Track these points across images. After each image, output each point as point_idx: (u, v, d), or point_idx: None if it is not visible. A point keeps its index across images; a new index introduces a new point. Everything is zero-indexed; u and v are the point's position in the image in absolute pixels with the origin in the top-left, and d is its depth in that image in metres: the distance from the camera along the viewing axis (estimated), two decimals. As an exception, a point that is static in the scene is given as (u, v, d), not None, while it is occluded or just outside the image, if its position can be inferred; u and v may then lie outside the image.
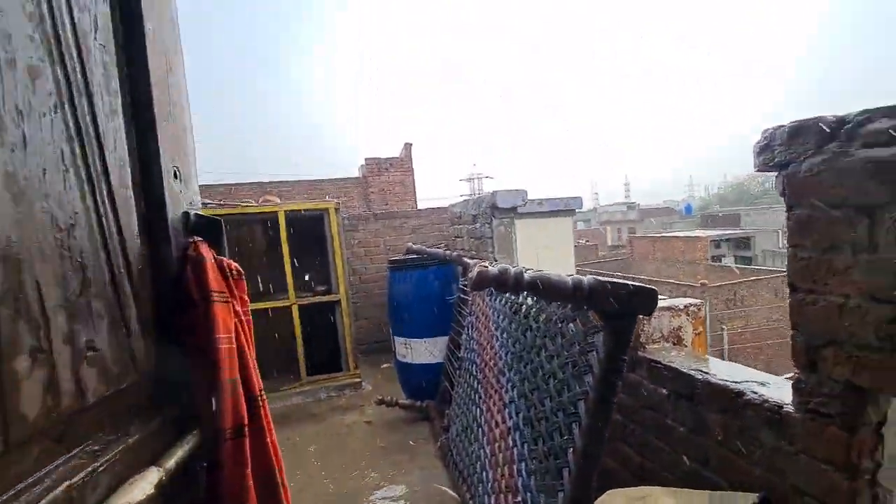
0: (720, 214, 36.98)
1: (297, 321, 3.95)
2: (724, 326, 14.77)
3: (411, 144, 12.08)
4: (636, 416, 1.66)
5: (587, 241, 34.81)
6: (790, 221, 1.06)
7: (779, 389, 1.19)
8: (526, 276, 1.17)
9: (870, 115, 0.91)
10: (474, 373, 2.45)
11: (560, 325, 1.53)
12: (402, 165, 11.88)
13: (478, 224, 3.15)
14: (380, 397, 3.32)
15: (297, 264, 3.96)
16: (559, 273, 1.20)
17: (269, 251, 4.20)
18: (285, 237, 3.81)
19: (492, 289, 2.50)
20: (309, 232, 4.11)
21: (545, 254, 4.04)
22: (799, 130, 1.01)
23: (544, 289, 1.17)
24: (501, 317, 2.18)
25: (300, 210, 3.93)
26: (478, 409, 2.26)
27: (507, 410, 1.90)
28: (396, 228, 5.16)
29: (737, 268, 19.35)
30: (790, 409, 1.10)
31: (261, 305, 3.86)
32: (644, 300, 1.22)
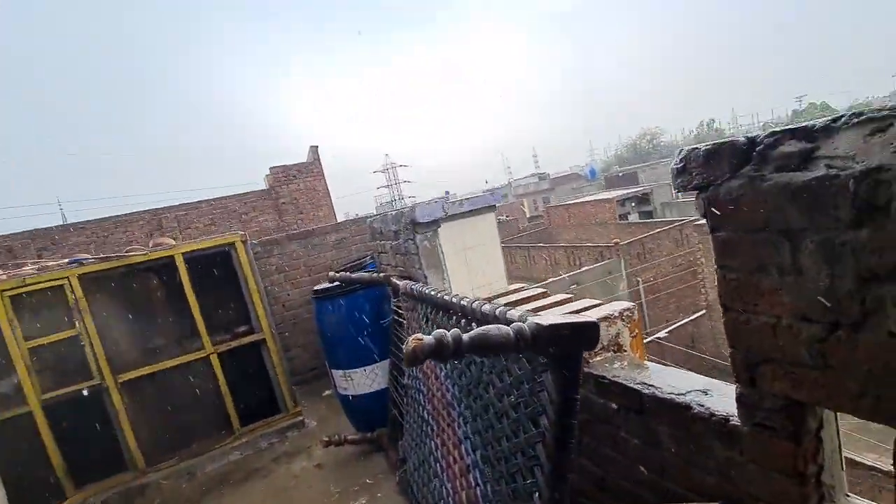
0: (620, 174, 40.04)
1: (219, 371, 3.56)
2: (639, 279, 16.14)
3: (317, 147, 11.49)
4: (590, 429, 1.65)
5: (507, 216, 36.05)
6: (715, 242, 1.05)
7: (723, 399, 1.21)
8: (465, 339, 1.06)
9: (778, 138, 0.90)
10: (422, 402, 2.35)
11: (505, 361, 1.46)
12: (311, 171, 11.27)
13: (401, 240, 3.01)
14: (326, 438, 3.10)
15: (208, 309, 3.55)
16: (498, 326, 1.11)
17: (173, 300, 3.73)
18: (188, 282, 3.39)
19: (422, 304, 2.40)
20: (216, 270, 3.70)
21: (473, 254, 4.00)
22: (714, 153, 1.00)
23: (487, 347, 1.07)
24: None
25: (202, 249, 3.51)
26: (432, 443, 2.16)
27: (463, 446, 1.82)
28: (316, 246, 4.84)
29: (641, 222, 21.15)
30: (737, 422, 1.11)
31: (172, 363, 3.43)
32: (587, 336, 1.17)
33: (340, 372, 3.18)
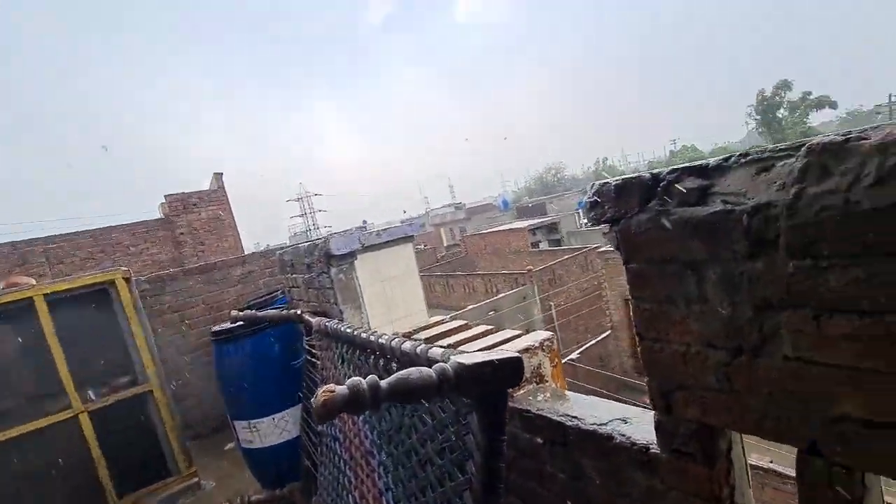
0: (530, 205, 42.69)
1: (89, 432, 3.01)
2: (551, 304, 17.05)
3: (221, 174, 10.71)
4: (516, 465, 1.60)
5: (425, 245, 36.46)
6: (629, 274, 1.08)
7: (642, 427, 1.23)
8: (384, 386, 0.96)
9: (678, 174, 0.96)
10: (339, 451, 2.15)
11: (428, 404, 1.37)
12: (214, 199, 10.44)
13: (314, 273, 2.82)
14: (227, 501, 2.71)
15: (78, 359, 3.01)
16: (419, 368, 1.02)
17: (31, 351, 3.11)
18: (51, 329, 2.86)
19: (338, 343, 2.23)
20: (92, 312, 3.17)
21: (391, 286, 3.89)
22: (623, 188, 1.03)
23: (409, 393, 0.98)
24: (355, 372, 1.93)
25: (71, 289, 2.99)
26: (350, 497, 1.97)
27: (384, 499, 1.67)
28: (219, 281, 4.40)
29: (550, 249, 22.56)
30: (656, 450, 1.13)
31: (25, 429, 2.83)
32: (511, 372, 1.13)
33: (244, 423, 2.84)
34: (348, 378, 1.92)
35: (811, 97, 41.20)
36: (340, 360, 2.07)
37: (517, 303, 16.13)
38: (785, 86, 42.81)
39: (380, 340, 1.61)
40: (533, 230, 24.52)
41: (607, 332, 12.03)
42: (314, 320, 2.45)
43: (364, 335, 1.78)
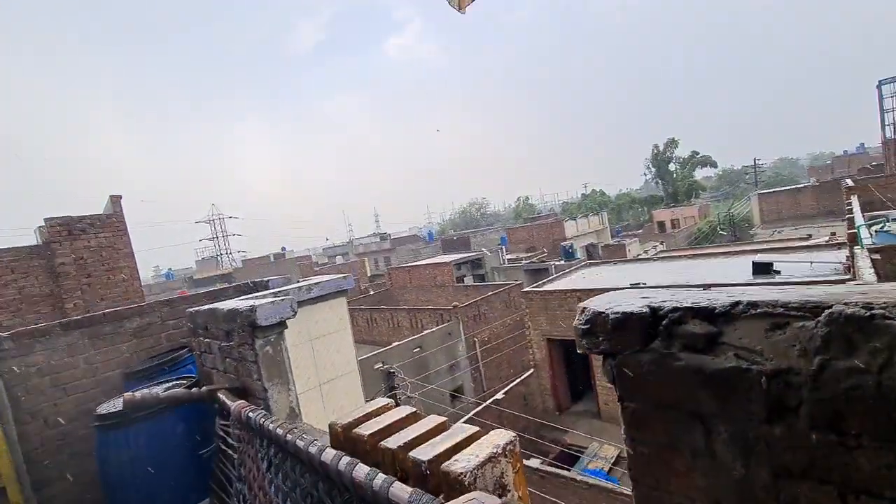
0: (455, 238, 43.52)
1: None
2: (476, 339, 17.17)
3: (120, 196, 9.49)
4: None
5: (348, 275, 35.30)
6: (624, 412, 0.99)
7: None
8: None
9: (682, 314, 0.89)
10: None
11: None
12: (109, 225, 9.17)
13: (234, 342, 2.45)
14: None
15: None
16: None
17: None
18: None
19: (263, 440, 1.90)
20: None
21: (322, 345, 3.56)
22: (621, 323, 0.94)
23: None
24: (289, 485, 1.63)
25: None
26: None
27: None
28: (108, 336, 3.72)
29: (475, 285, 22.95)
30: None
31: None
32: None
33: (132, 528, 2.32)
34: (280, 491, 1.62)
35: (698, 156, 47.58)
36: (267, 464, 1.75)
37: (443, 339, 16.02)
38: (673, 143, 49.05)
39: (322, 458, 1.36)
40: (458, 265, 24.86)
41: (530, 371, 12.28)
42: (233, 405, 2.08)
43: (300, 443, 1.51)
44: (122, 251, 9.41)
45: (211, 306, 2.63)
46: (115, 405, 2.48)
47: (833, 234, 19.29)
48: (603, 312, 0.97)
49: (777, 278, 9.03)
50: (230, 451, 2.13)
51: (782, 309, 0.81)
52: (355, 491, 1.19)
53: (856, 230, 6.69)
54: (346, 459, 1.31)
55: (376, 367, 12.61)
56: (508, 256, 28.57)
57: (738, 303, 0.86)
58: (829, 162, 53.28)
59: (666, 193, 48.10)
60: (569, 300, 11.58)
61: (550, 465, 7.87)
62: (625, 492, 6.81)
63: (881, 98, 21.75)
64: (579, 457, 8.79)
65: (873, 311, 0.70)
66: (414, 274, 25.52)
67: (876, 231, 6.89)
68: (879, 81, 22.05)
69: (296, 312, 2.40)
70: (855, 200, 10.23)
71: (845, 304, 0.74)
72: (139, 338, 3.86)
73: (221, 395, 2.27)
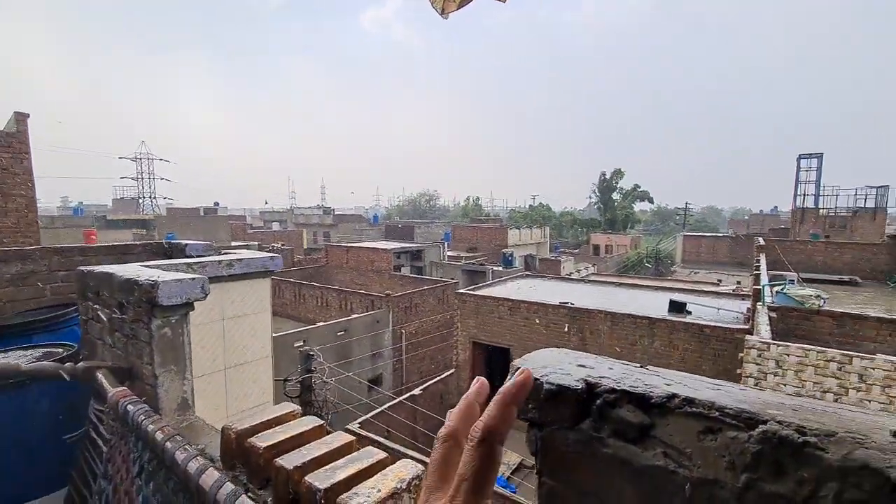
0: (399, 225, 43.09)
1: None
2: (403, 331, 17.08)
3: (27, 115, 8.29)
4: None
5: (283, 244, 33.84)
6: (541, 489, 0.92)
7: None
8: None
9: (617, 398, 0.83)
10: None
11: None
12: (8, 146, 7.98)
13: (127, 316, 2.15)
14: None
15: None
16: None
17: None
18: None
19: (138, 441, 1.67)
20: None
21: (234, 326, 3.28)
22: (556, 395, 0.87)
23: None
24: (159, 499, 1.43)
25: None
26: None
27: None
28: (-26, 279, 3.18)
29: (412, 276, 22.85)
30: None
31: None
32: None
33: (-38, 515, 1.97)
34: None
35: (639, 189, 50.72)
36: (139, 469, 1.53)
37: (370, 326, 15.77)
38: (619, 174, 51.95)
39: (200, 482, 1.19)
40: (398, 253, 24.60)
41: (451, 371, 12.41)
42: (111, 392, 1.82)
43: (179, 456, 1.32)
44: (20, 177, 8.26)
45: (106, 269, 2.30)
46: (-38, 370, 2.09)
47: (738, 283, 21.40)
48: (538, 380, 0.90)
49: (688, 318, 9.78)
50: (100, 443, 1.86)
51: (717, 413, 0.78)
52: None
53: (760, 288, 7.41)
54: (226, 489, 1.14)
55: (296, 345, 12.15)
56: (449, 253, 28.75)
57: (674, 395, 0.81)
58: (747, 217, 59.02)
59: (605, 219, 50.85)
60: (500, 308, 11.82)
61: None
62: (520, 501, 7.05)
63: (798, 170, 24.35)
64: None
65: (806, 438, 0.68)
66: (352, 255, 24.91)
67: (777, 292, 7.67)
68: (800, 155, 24.65)
69: (207, 294, 2.15)
70: (763, 259, 11.34)
71: (779, 422, 0.72)
72: (17, 286, 3.35)
73: (100, 376, 1.98)
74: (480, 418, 0.40)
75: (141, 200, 55.26)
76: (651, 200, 53.87)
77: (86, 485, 1.91)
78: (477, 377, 0.40)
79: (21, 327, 2.96)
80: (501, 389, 0.40)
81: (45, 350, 2.44)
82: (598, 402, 0.84)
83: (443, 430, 0.43)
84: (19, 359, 2.28)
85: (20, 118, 8.30)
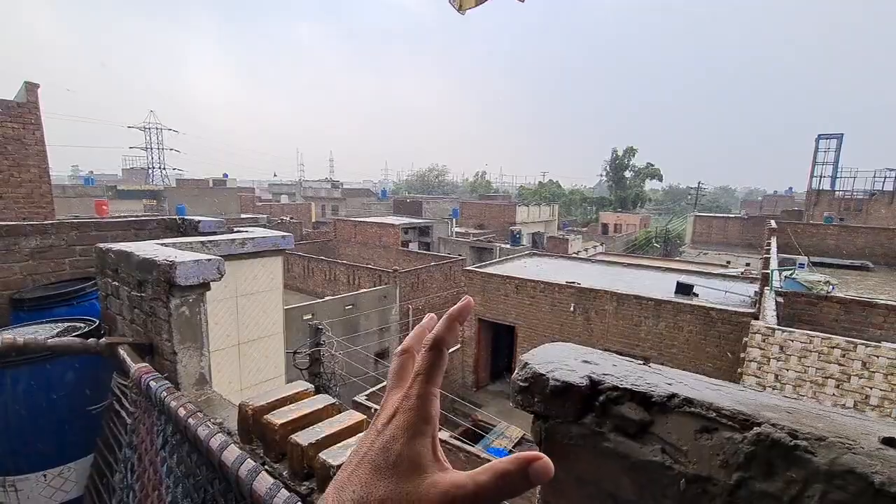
0: (408, 200, 42.97)
1: None
2: (410, 305, 17.30)
3: (37, 85, 8.29)
4: None
5: (292, 217, 34.02)
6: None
7: None
8: None
9: (619, 395, 0.88)
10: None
11: None
12: (19, 115, 8.02)
13: (146, 294, 2.23)
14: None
15: None
16: None
17: None
18: None
19: (161, 415, 1.76)
20: None
21: (247, 303, 3.37)
22: (561, 392, 0.91)
23: None
24: (183, 470, 1.52)
25: None
26: None
27: None
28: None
29: (419, 252, 22.98)
30: None
31: None
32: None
33: (-4, 477, 2.10)
34: (172, 474, 1.51)
35: (652, 167, 49.88)
36: (163, 442, 1.62)
37: (377, 300, 15.97)
38: (631, 152, 51.04)
39: (222, 458, 1.26)
40: (406, 229, 24.66)
41: (457, 346, 12.62)
42: (134, 367, 1.91)
43: (201, 432, 1.40)
44: (32, 147, 8.33)
45: (124, 248, 2.36)
46: (-9, 342, 2.19)
47: (748, 265, 21.25)
48: (543, 375, 0.94)
49: (695, 300, 9.79)
50: (124, 414, 1.96)
51: (714, 413, 0.82)
52: (253, 502, 1.12)
53: (769, 272, 7.38)
54: (248, 465, 1.22)
55: (305, 318, 12.38)
56: (457, 229, 28.74)
57: (675, 395, 0.85)
58: (760, 198, 58.03)
59: (616, 197, 50.29)
60: (507, 286, 11.90)
61: (457, 439, 8.23)
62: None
63: (816, 151, 23.75)
64: (485, 435, 9.28)
65: (797, 441, 0.72)
66: (360, 229, 25.01)
67: (785, 277, 7.63)
68: (819, 135, 24.00)
69: (223, 274, 2.21)
70: (774, 242, 11.22)
71: (773, 425, 0.75)
72: (37, 260, 3.44)
73: (122, 352, 2.07)
74: (430, 332, 0.49)
75: (151, 171, 55.45)
76: (661, 178, 53.06)
77: (111, 452, 2.03)
78: (428, 313, 0.51)
79: (42, 300, 3.06)
80: (449, 311, 0.49)
81: (68, 325, 2.53)
82: (602, 398, 0.88)
83: (399, 347, 0.52)
84: (43, 332, 2.38)
85: (31, 88, 8.30)
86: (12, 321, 3.04)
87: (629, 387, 0.87)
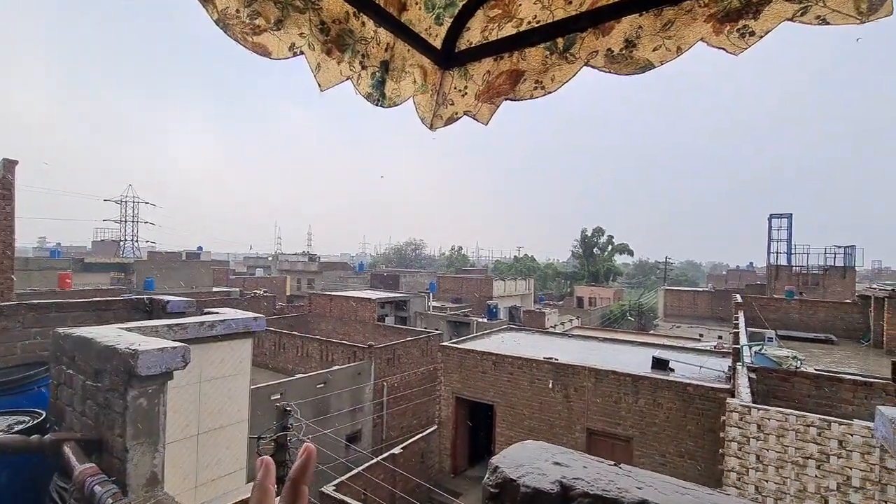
0: (385, 274, 42.97)
1: None
2: (385, 384, 16.60)
3: (16, 162, 8.31)
4: None
5: (265, 290, 33.30)
6: None
7: None
8: None
9: (590, 502, 0.87)
10: None
11: None
12: (-9, 190, 7.93)
13: (102, 384, 2.11)
14: None
15: None
16: None
17: None
18: None
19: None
20: None
21: (211, 389, 3.20)
22: (531, 499, 0.90)
23: None
24: None
25: None
26: None
27: None
28: (-58, 335, 3.07)
29: (396, 327, 22.54)
30: None
31: None
32: None
33: None
34: None
35: (617, 243, 52.16)
36: (99, 559, 1.45)
37: (351, 378, 15.31)
38: (599, 232, 53.61)
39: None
40: (382, 303, 24.37)
41: (433, 428, 12.00)
42: (78, 469, 1.75)
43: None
44: (1, 222, 8.14)
45: (85, 334, 2.27)
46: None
47: (720, 338, 21.64)
48: (514, 481, 0.93)
49: (671, 376, 9.78)
50: (60, 524, 1.77)
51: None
52: None
53: (740, 348, 7.52)
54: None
55: (272, 398, 11.67)
56: (434, 304, 28.59)
57: (644, 501, 0.86)
58: (724, 272, 60.57)
59: (588, 272, 51.65)
60: (485, 362, 11.67)
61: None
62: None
63: (770, 229, 25.45)
64: (465, 528, 8.53)
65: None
66: (335, 303, 24.57)
67: (755, 352, 7.78)
68: (770, 215, 25.87)
69: (188, 363, 2.13)
70: (742, 316, 11.57)
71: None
72: (-13, 343, 3.24)
73: (68, 449, 1.91)
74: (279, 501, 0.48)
75: (122, 243, 54.30)
76: (631, 253, 55.21)
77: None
78: (261, 458, 0.48)
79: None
80: (290, 474, 0.48)
81: (13, 417, 2.34)
82: (572, 505, 0.87)
83: None
84: (-18, 428, 2.19)
85: (8, 165, 8.31)
86: (-52, 412, 2.79)
87: (599, 493, 0.87)
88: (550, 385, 10.52)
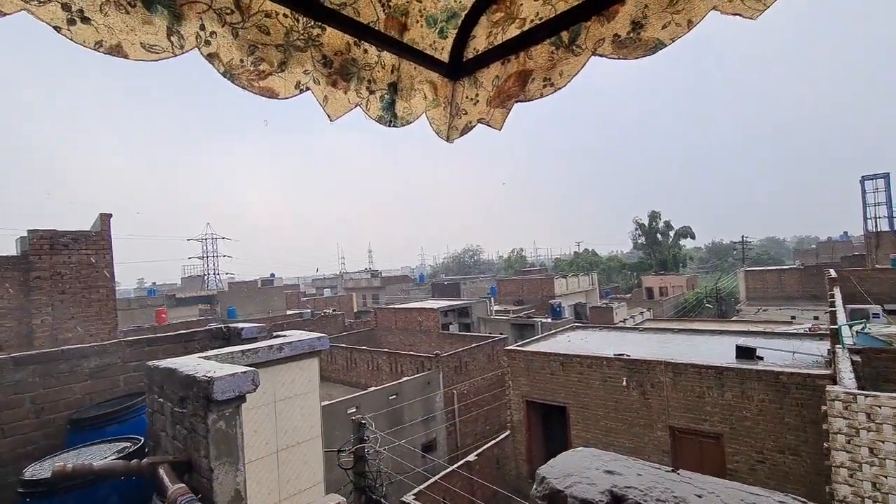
0: (445, 283, 43.41)
1: None
2: (455, 392, 16.70)
3: (110, 215, 9.40)
4: None
5: (334, 309, 34.89)
6: None
7: None
8: None
9: (644, 511, 0.82)
10: None
11: None
12: (94, 242, 9.02)
13: (187, 410, 2.31)
14: None
15: None
16: None
17: None
18: None
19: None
20: None
21: (286, 407, 3.40)
22: (580, 510, 0.87)
23: None
24: None
25: None
26: None
27: None
28: (61, 376, 3.52)
29: (460, 334, 22.65)
30: None
31: None
32: None
33: None
34: None
35: (679, 228, 48.95)
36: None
37: (421, 388, 15.55)
38: (656, 216, 50.58)
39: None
40: (445, 311, 24.61)
41: (506, 433, 11.86)
42: (171, 489, 1.93)
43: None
44: (100, 270, 9.21)
45: (169, 365, 2.50)
46: (44, 469, 2.29)
47: (816, 318, 19.50)
48: (561, 492, 0.90)
49: (760, 365, 8.97)
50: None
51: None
52: None
53: (838, 328, 6.73)
54: None
55: (349, 412, 12.14)
56: (496, 308, 28.40)
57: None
58: (814, 246, 54.83)
59: (655, 261, 48.90)
60: (552, 363, 11.39)
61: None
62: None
63: (864, 193, 22.73)
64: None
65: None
66: (400, 316, 25.17)
67: (857, 332, 6.93)
68: (862, 177, 23.10)
69: (257, 386, 2.28)
70: (838, 293, 10.39)
71: None
72: (95, 378, 3.67)
73: (162, 472, 2.10)
74: None
75: (206, 277, 59.37)
76: (693, 236, 51.55)
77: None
78: None
79: (95, 420, 3.21)
80: None
81: (118, 445, 2.63)
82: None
83: None
84: (93, 455, 2.47)
85: (104, 218, 9.41)
86: (69, 441, 3.18)
87: (653, 503, 0.82)
88: (624, 382, 10.04)
